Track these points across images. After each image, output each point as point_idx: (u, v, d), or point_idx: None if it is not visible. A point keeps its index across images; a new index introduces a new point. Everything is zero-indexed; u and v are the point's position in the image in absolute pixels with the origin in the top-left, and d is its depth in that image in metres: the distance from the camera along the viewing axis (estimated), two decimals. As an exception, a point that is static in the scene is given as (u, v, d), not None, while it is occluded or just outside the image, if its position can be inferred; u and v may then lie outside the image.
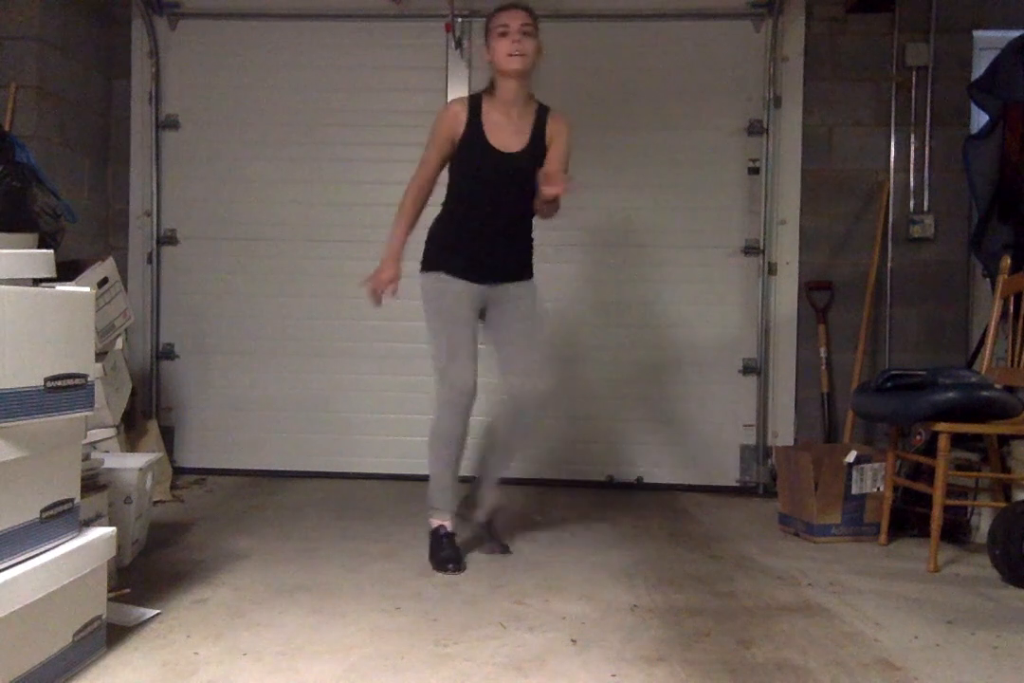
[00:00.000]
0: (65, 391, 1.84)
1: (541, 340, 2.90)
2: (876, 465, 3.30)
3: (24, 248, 2.67)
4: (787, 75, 4.28)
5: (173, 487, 3.92)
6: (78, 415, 1.91)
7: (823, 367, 4.24)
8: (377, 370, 4.38)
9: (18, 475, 1.74)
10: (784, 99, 4.27)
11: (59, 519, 1.89)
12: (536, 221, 2.95)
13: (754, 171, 4.28)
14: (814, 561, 2.98)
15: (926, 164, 4.26)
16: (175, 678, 1.88)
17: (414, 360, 4.35)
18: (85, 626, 1.92)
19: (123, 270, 4.30)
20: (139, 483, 2.77)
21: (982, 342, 3.53)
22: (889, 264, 4.26)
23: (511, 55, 2.76)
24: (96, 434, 3.29)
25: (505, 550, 2.97)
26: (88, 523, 2.20)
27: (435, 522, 2.89)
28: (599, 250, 4.27)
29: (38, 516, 1.81)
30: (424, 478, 4.32)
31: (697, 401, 4.30)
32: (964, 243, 4.18)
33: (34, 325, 1.74)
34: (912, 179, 4.26)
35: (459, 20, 4.26)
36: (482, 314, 2.92)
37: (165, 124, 4.44)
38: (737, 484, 4.27)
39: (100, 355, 3.27)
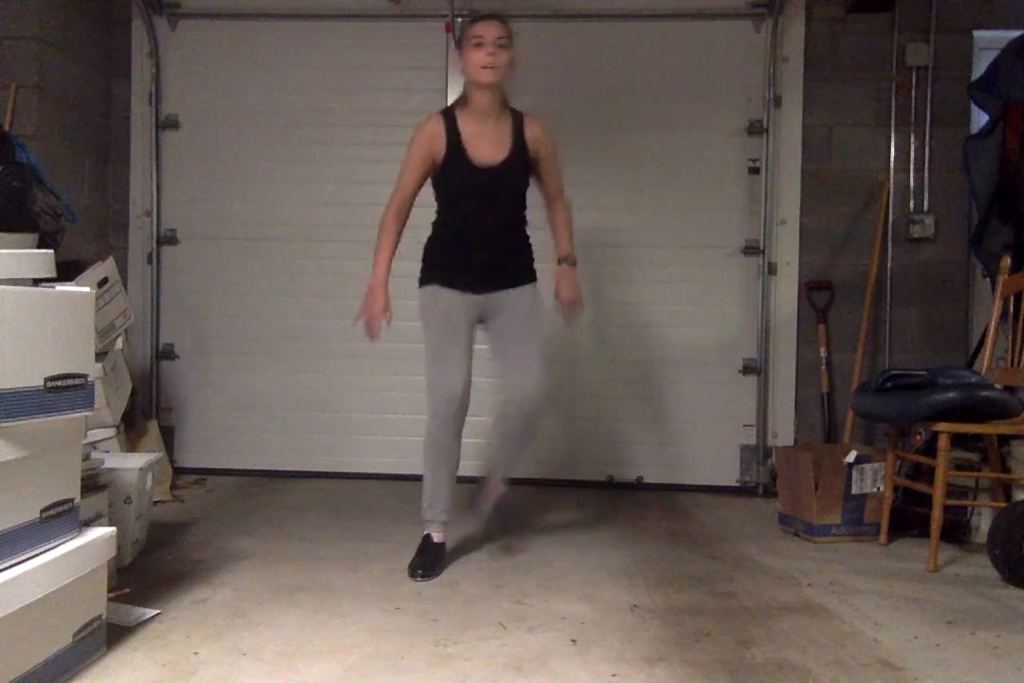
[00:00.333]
0: (65, 391, 1.84)
1: (538, 346, 2.87)
2: (876, 465, 3.30)
3: (24, 248, 2.67)
4: (787, 75, 4.28)
5: (173, 487, 3.92)
6: (78, 415, 1.92)
7: (823, 367, 4.24)
8: (377, 370, 4.38)
9: (18, 475, 1.74)
10: (784, 99, 4.27)
11: (59, 519, 1.89)
12: (533, 221, 2.96)
13: (754, 171, 4.28)
14: (814, 561, 2.98)
15: (926, 164, 4.26)
16: (175, 678, 1.88)
17: (414, 360, 4.31)
18: (85, 626, 1.92)
19: (123, 270, 4.30)
20: (139, 483, 2.77)
21: (982, 342, 3.53)
22: (889, 264, 4.26)
23: (484, 67, 2.71)
24: (96, 434, 3.29)
25: (502, 529, 3.00)
26: (88, 523, 2.20)
27: (425, 530, 2.88)
28: (599, 250, 4.27)
29: (38, 516, 1.81)
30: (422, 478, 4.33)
31: (697, 401, 4.30)
32: (964, 243, 4.19)
33: (34, 325, 1.74)
34: (912, 179, 4.26)
35: (459, 20, 4.25)
36: (484, 321, 2.92)
37: (165, 124, 4.44)
38: (737, 484, 4.27)
39: (100, 355, 3.27)
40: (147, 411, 4.34)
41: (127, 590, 2.40)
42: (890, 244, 4.26)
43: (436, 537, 2.85)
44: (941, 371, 3.04)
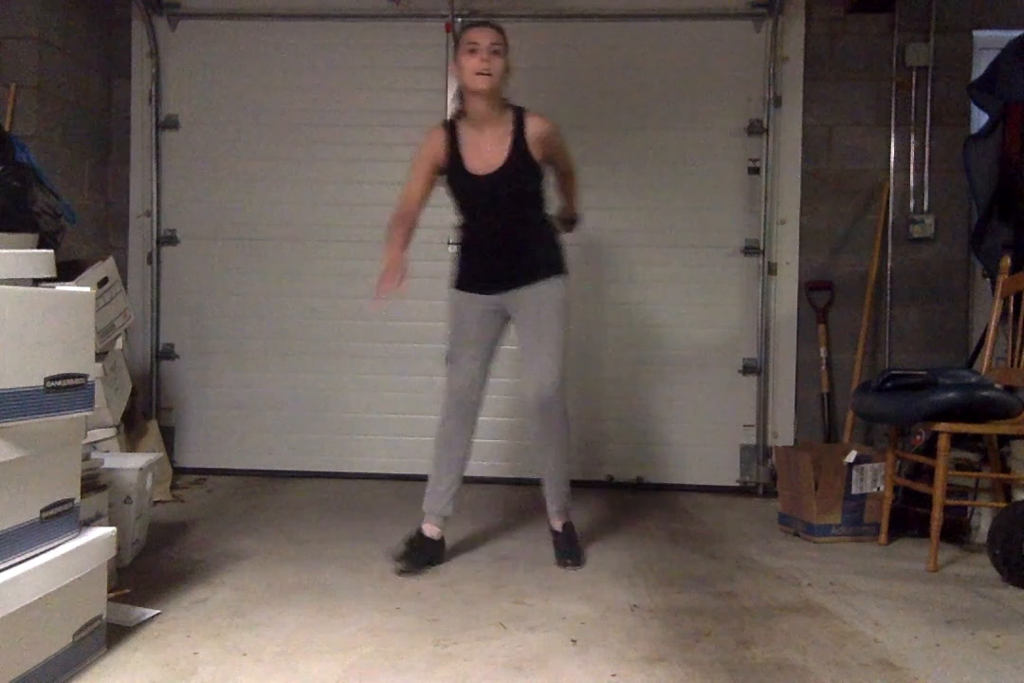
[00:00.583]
0: (65, 391, 1.84)
1: (552, 343, 2.91)
2: (876, 465, 3.30)
3: (24, 248, 2.67)
4: (787, 75, 4.28)
5: (173, 487, 3.92)
6: (78, 415, 1.92)
7: (823, 367, 4.24)
8: (377, 370, 4.38)
9: (18, 475, 1.74)
10: (784, 99, 4.27)
11: (59, 519, 1.89)
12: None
13: (754, 171, 4.28)
14: (814, 561, 2.98)
15: (926, 164, 4.26)
16: (175, 678, 1.88)
17: (414, 360, 4.36)
18: (85, 626, 1.92)
19: (123, 270, 4.30)
20: (139, 483, 2.77)
21: (982, 342, 3.53)
22: (889, 264, 4.26)
23: (479, 74, 2.75)
24: (96, 434, 3.29)
25: (572, 563, 2.85)
26: (88, 523, 2.20)
27: (420, 524, 2.93)
28: (599, 250, 4.27)
29: (38, 516, 1.81)
30: (424, 478, 4.34)
31: (697, 401, 4.30)
32: (964, 243, 4.18)
33: (34, 325, 1.74)
34: (912, 179, 4.26)
35: (459, 20, 4.26)
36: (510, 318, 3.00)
37: (165, 124, 4.44)
38: (737, 484, 4.27)
39: (100, 355, 3.27)
40: (147, 411, 4.34)
41: (127, 590, 2.41)
42: (890, 244, 4.26)
43: (427, 530, 2.90)
44: (941, 371, 3.04)
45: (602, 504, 3.86)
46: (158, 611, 2.28)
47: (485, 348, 2.96)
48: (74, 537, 1.94)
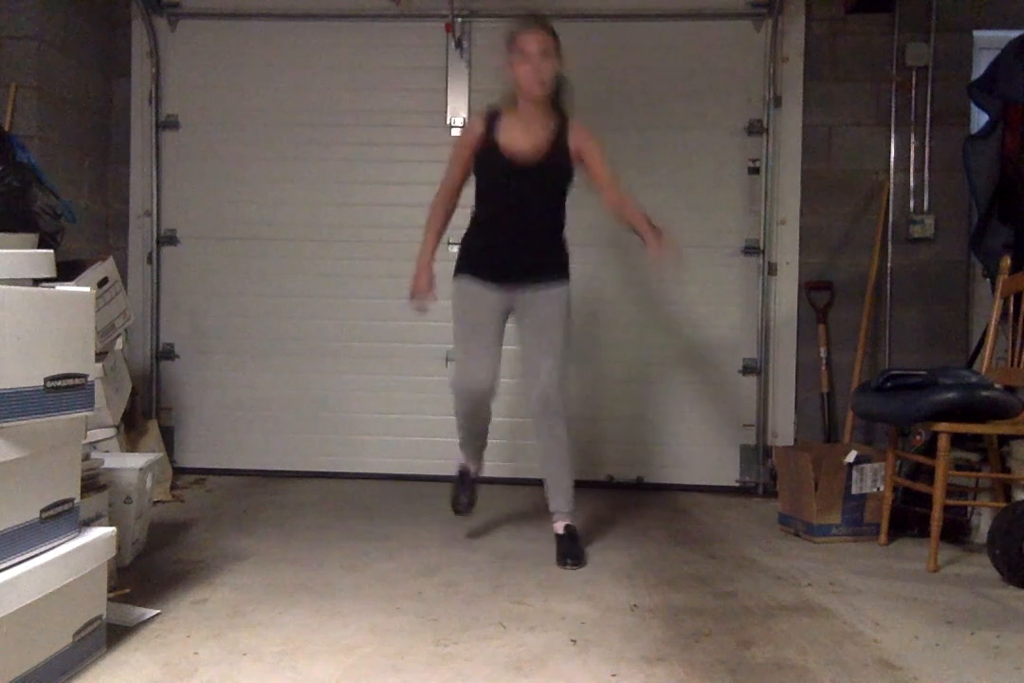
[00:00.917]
0: (65, 391, 1.84)
1: (558, 347, 2.95)
2: (876, 465, 3.30)
3: (24, 248, 2.67)
4: (787, 75, 4.28)
5: (173, 487, 3.92)
6: (78, 415, 1.92)
7: (823, 367, 4.24)
8: (377, 370, 4.38)
9: (18, 475, 1.74)
10: (784, 99, 4.28)
11: (59, 519, 1.89)
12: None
13: (754, 171, 4.28)
14: (814, 561, 2.98)
15: (926, 164, 4.26)
16: (175, 678, 1.88)
17: (414, 360, 4.36)
18: (85, 626, 1.92)
19: (123, 270, 4.30)
20: (139, 483, 2.77)
21: (982, 342, 3.53)
22: (889, 264, 4.26)
23: (533, 83, 2.83)
24: (96, 434, 3.29)
25: (573, 563, 2.84)
26: (88, 523, 2.20)
27: (461, 464, 3.22)
28: (599, 250, 4.27)
29: (38, 516, 1.81)
30: (423, 478, 4.36)
31: (697, 401, 4.30)
32: (964, 243, 4.18)
33: (34, 325, 1.74)
34: (912, 179, 4.26)
35: (459, 20, 4.27)
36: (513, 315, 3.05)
37: (165, 124, 4.44)
38: (737, 484, 4.27)
39: (100, 355, 3.27)
40: (147, 411, 4.34)
41: (127, 590, 2.41)
42: (890, 244, 4.26)
43: (473, 468, 3.22)
44: (941, 371, 3.04)
45: (602, 504, 3.86)
46: (158, 611, 2.28)
47: (497, 339, 3.00)
48: (74, 537, 1.94)
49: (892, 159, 4.27)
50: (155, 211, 4.43)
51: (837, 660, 2.05)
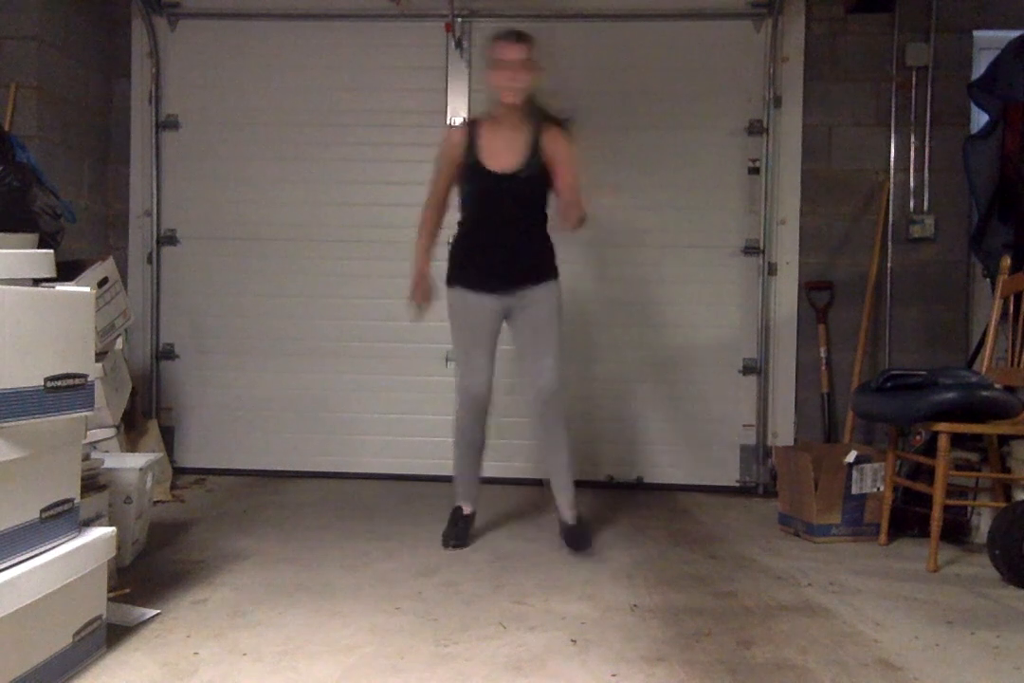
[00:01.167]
0: (65, 391, 1.84)
1: (553, 344, 3.03)
2: (876, 465, 3.30)
3: (24, 248, 2.67)
4: (787, 75, 4.28)
5: (173, 487, 3.93)
6: (78, 415, 1.92)
7: (823, 367, 4.24)
8: (377, 370, 4.38)
9: (18, 475, 1.74)
10: (784, 99, 4.28)
11: (59, 519, 1.89)
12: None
13: (754, 171, 4.28)
14: (814, 561, 2.98)
15: (926, 164, 4.26)
16: (175, 678, 1.88)
17: (414, 360, 4.36)
18: (85, 626, 1.92)
19: (123, 270, 4.30)
20: (139, 483, 2.77)
21: (982, 342, 3.53)
22: (889, 264, 4.26)
23: (507, 90, 2.90)
24: (96, 434, 3.29)
25: (584, 547, 3.00)
26: (88, 523, 2.20)
27: (456, 504, 3.19)
28: (599, 250, 4.27)
29: (38, 516, 1.81)
30: (424, 478, 4.36)
31: (697, 401, 4.30)
32: (964, 243, 4.18)
33: (34, 325, 1.74)
34: (912, 179, 4.26)
35: (459, 20, 4.27)
36: (507, 318, 3.11)
37: (165, 124, 4.44)
38: (737, 484, 4.27)
39: (100, 355, 3.27)
40: (147, 411, 4.34)
41: (127, 590, 2.40)
42: (890, 244, 4.26)
43: (466, 509, 3.17)
44: (941, 371, 3.04)
45: (602, 504, 3.86)
46: (158, 611, 2.28)
47: (492, 346, 3.09)
48: (74, 537, 1.94)
49: (892, 159, 4.27)
50: (155, 211, 4.43)
51: (837, 660, 2.05)
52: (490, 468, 4.21)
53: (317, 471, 4.35)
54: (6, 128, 3.59)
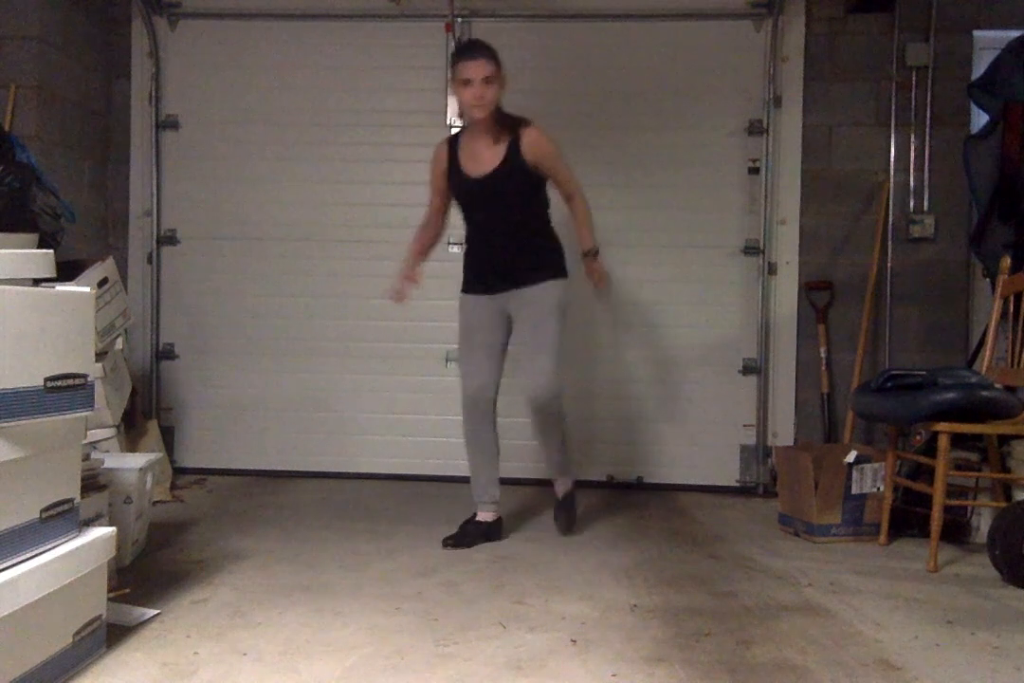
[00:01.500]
0: (65, 391, 1.84)
1: (549, 343, 3.07)
2: (876, 465, 3.30)
3: (24, 248, 2.67)
4: (787, 75, 4.28)
5: (173, 487, 3.93)
6: (78, 415, 1.91)
7: (823, 367, 4.24)
8: (377, 370, 4.38)
9: (18, 475, 1.74)
10: (784, 99, 4.27)
11: (59, 519, 1.89)
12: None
13: (754, 171, 4.28)
14: (814, 561, 2.98)
15: (926, 164, 4.26)
16: (175, 678, 1.88)
17: (414, 360, 4.36)
18: (85, 626, 1.92)
19: (123, 270, 4.30)
20: (139, 483, 2.77)
21: (982, 342, 3.53)
22: (889, 264, 4.26)
23: (473, 106, 2.99)
24: (96, 434, 3.29)
25: (566, 529, 3.24)
26: (88, 523, 2.20)
27: (476, 509, 3.20)
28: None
29: (38, 516, 1.81)
30: (423, 478, 4.37)
31: (697, 401, 4.30)
32: (964, 243, 4.18)
33: (34, 325, 1.74)
34: (912, 179, 4.26)
35: (459, 20, 4.26)
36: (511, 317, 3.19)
37: (165, 124, 4.44)
38: (737, 484, 4.27)
39: (100, 355, 3.27)
40: (147, 411, 4.34)
41: (127, 590, 2.40)
42: (890, 244, 4.26)
43: (480, 516, 3.17)
44: (941, 371, 3.04)
45: (602, 504, 3.86)
46: (158, 611, 2.28)
47: (494, 349, 3.15)
48: (74, 537, 1.94)
49: (892, 159, 4.27)
50: (155, 211, 4.43)
51: (837, 660, 2.05)
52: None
53: (317, 471, 4.34)
54: (6, 128, 3.59)
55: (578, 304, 4.27)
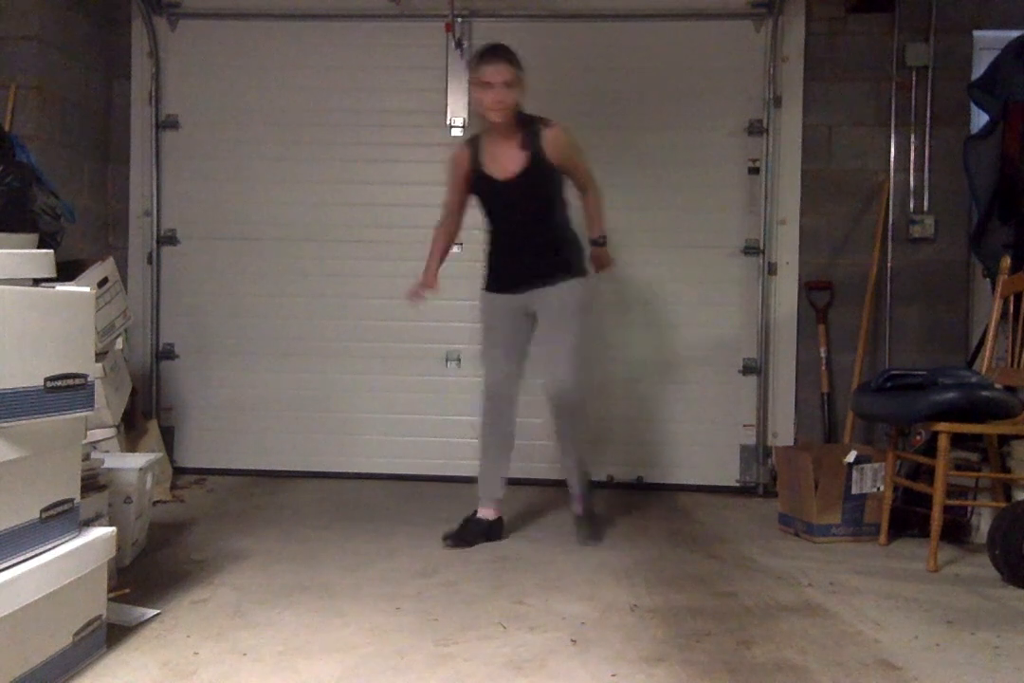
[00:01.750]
0: (65, 391, 1.84)
1: (569, 343, 3.09)
2: (876, 465, 3.30)
3: (24, 248, 2.67)
4: (787, 75, 4.28)
5: (173, 487, 3.93)
6: (78, 415, 1.91)
7: (823, 367, 4.24)
8: (377, 370, 4.38)
9: (18, 475, 1.74)
10: (784, 99, 4.27)
11: (59, 519, 1.89)
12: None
13: (754, 171, 4.28)
14: (814, 561, 2.98)
15: (926, 164, 4.26)
16: (175, 678, 1.88)
17: (414, 360, 4.35)
18: (85, 626, 1.92)
19: (123, 270, 4.30)
20: (139, 483, 2.77)
21: (982, 342, 3.53)
22: (889, 264, 4.26)
23: (492, 110, 3.01)
24: (96, 434, 3.29)
25: (591, 540, 3.14)
26: (88, 523, 2.20)
27: (478, 505, 3.19)
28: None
29: (38, 516, 1.81)
30: (423, 478, 4.37)
31: (697, 401, 4.30)
32: (964, 243, 4.18)
33: (34, 325, 1.74)
34: (912, 179, 4.26)
35: (459, 20, 4.26)
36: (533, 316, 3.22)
37: (165, 124, 4.44)
38: (737, 484, 4.27)
39: (100, 355, 3.27)
40: (147, 411, 4.34)
41: (127, 590, 2.40)
42: (890, 244, 4.26)
43: (481, 513, 3.16)
44: (941, 371, 3.04)
45: (602, 504, 3.85)
46: (158, 611, 2.28)
47: (516, 347, 3.17)
48: (74, 537, 1.94)
49: (892, 159, 4.27)
50: (155, 211, 4.43)
51: (837, 660, 2.05)
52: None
53: (317, 471, 4.34)
54: (6, 128, 3.59)
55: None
